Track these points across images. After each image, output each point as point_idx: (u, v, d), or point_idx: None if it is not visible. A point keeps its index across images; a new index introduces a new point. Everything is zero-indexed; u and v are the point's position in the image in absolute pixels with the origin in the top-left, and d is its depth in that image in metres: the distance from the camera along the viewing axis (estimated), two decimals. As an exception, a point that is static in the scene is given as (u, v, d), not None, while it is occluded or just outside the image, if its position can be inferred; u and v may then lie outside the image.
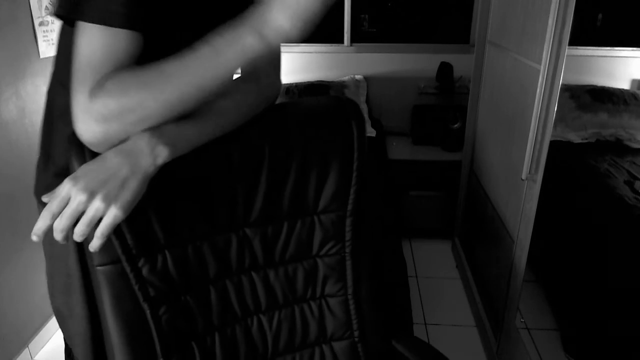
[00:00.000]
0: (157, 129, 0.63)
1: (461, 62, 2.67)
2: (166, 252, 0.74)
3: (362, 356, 0.92)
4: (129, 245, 0.70)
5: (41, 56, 1.80)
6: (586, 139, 2.48)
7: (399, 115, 2.87)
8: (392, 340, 0.97)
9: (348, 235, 0.88)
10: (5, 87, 1.64)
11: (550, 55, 1.27)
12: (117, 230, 0.67)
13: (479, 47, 2.05)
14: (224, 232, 0.79)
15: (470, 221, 2.22)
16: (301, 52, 2.81)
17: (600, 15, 2.72)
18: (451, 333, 1.95)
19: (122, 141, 0.62)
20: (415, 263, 2.42)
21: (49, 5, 1.82)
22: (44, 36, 1.80)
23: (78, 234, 0.60)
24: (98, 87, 0.60)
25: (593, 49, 2.66)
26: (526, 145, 1.36)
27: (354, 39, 2.83)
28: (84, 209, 0.59)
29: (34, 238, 0.60)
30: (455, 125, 2.56)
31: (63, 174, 0.65)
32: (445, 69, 2.66)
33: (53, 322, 1.92)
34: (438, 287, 2.25)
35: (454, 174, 2.37)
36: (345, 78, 2.77)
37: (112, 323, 0.72)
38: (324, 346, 0.91)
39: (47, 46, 1.82)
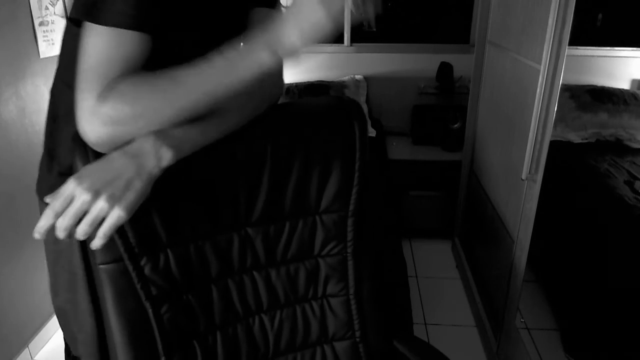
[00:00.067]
0: (162, 132, 0.63)
1: (461, 62, 2.67)
2: (168, 251, 0.74)
3: (364, 356, 0.93)
4: (131, 244, 0.70)
5: (41, 56, 1.79)
6: (586, 139, 2.48)
7: (399, 115, 2.87)
8: (394, 341, 0.97)
9: (350, 236, 0.88)
10: (5, 87, 1.64)
11: (550, 55, 1.27)
12: (119, 229, 0.67)
13: (479, 47, 2.05)
14: (226, 232, 0.79)
15: (470, 221, 2.22)
16: (301, 52, 2.80)
17: (600, 15, 2.72)
18: (451, 333, 1.95)
19: (127, 142, 0.63)
20: (415, 263, 2.42)
21: (49, 5, 1.82)
22: (44, 36, 1.80)
23: (81, 233, 0.60)
24: (108, 90, 0.60)
25: (593, 49, 2.66)
26: (526, 145, 1.36)
27: (354, 39, 2.83)
28: (88, 208, 0.59)
29: (37, 236, 0.60)
30: (455, 125, 2.56)
31: (67, 173, 0.65)
32: (445, 69, 2.66)
33: (53, 322, 1.92)
34: (438, 287, 2.25)
35: (454, 174, 2.37)
36: (345, 78, 2.77)
37: (114, 321, 0.72)
38: (325, 346, 0.91)
39: (47, 46, 1.82)
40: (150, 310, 0.74)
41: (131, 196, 0.61)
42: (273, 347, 0.87)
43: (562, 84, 1.29)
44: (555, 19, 1.23)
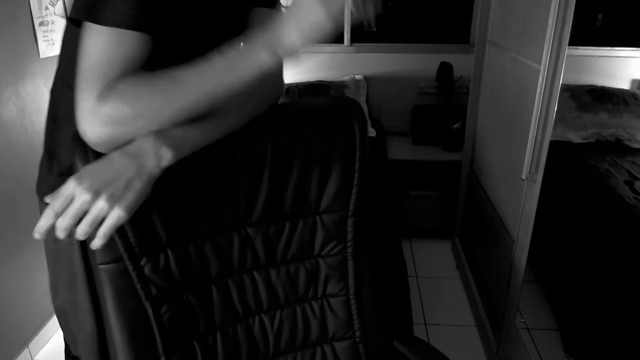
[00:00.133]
0: (162, 132, 0.63)
1: (461, 62, 2.67)
2: (168, 251, 0.74)
3: (364, 356, 0.93)
4: (131, 243, 0.70)
5: (41, 56, 1.79)
6: (586, 139, 2.48)
7: (399, 115, 2.87)
8: (394, 341, 0.97)
9: (350, 236, 0.88)
10: (5, 87, 1.64)
11: (550, 55, 1.27)
12: (119, 229, 0.67)
13: (479, 47, 2.05)
14: (226, 232, 0.79)
15: (470, 221, 2.22)
16: (301, 52, 2.80)
17: (600, 15, 2.72)
18: (451, 333, 1.95)
19: (127, 143, 0.63)
20: (415, 263, 2.42)
21: (49, 5, 1.82)
22: (44, 36, 1.80)
23: (80, 233, 0.60)
24: (108, 90, 0.60)
25: (593, 49, 2.66)
26: (526, 145, 1.36)
27: (354, 39, 2.83)
28: (88, 208, 0.59)
29: (37, 236, 0.60)
30: (455, 125, 2.56)
31: (67, 173, 0.65)
32: (445, 69, 2.66)
33: (53, 322, 1.92)
34: (438, 287, 2.25)
35: (454, 174, 2.37)
36: (345, 78, 2.77)
37: (114, 321, 0.72)
38: (325, 346, 0.91)
39: (47, 46, 1.82)
40: (150, 310, 0.74)
41: (131, 196, 0.61)
42: (273, 347, 0.87)
43: (562, 84, 1.30)
44: (555, 19, 1.23)
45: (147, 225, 0.71)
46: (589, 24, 2.73)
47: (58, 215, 0.59)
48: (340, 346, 0.92)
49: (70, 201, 0.59)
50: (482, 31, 2.03)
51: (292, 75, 2.83)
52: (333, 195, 0.84)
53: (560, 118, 2.48)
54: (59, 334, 1.92)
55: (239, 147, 0.75)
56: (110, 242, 0.64)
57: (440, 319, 2.03)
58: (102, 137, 0.62)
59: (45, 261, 0.98)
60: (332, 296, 0.90)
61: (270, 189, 0.79)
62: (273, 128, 0.80)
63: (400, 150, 2.66)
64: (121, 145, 0.63)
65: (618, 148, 2.42)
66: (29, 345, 1.80)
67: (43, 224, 0.59)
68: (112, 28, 0.60)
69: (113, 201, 0.59)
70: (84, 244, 0.83)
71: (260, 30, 0.63)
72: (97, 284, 0.74)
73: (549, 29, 1.25)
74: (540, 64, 1.30)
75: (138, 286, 0.72)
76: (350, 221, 0.87)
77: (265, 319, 0.86)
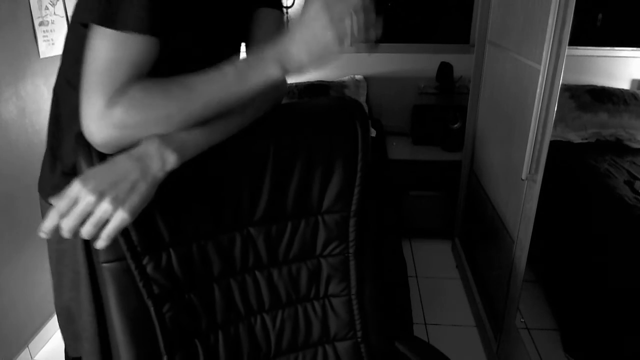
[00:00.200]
0: (166, 135, 0.64)
1: (461, 62, 2.67)
2: (171, 250, 0.74)
3: (365, 356, 0.93)
4: (134, 242, 0.71)
5: (41, 56, 1.79)
6: (586, 139, 2.48)
7: (399, 115, 2.87)
8: (395, 341, 0.97)
9: (352, 236, 0.88)
10: (5, 87, 1.64)
11: (550, 55, 1.27)
12: (122, 228, 0.67)
13: (479, 47, 2.06)
14: (229, 231, 0.79)
15: (470, 221, 2.22)
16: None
17: (600, 15, 2.72)
18: (451, 333, 1.95)
19: (132, 145, 0.63)
20: (415, 263, 2.43)
21: (49, 5, 1.82)
22: (44, 36, 1.80)
23: (85, 234, 0.60)
24: (118, 94, 0.60)
25: (593, 49, 2.66)
26: (526, 145, 1.36)
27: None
28: (92, 209, 0.60)
29: (42, 235, 0.61)
30: (455, 125, 2.56)
31: (71, 172, 0.65)
32: (445, 69, 2.66)
33: (53, 322, 1.92)
34: (438, 287, 2.25)
35: (454, 174, 2.37)
36: (345, 78, 2.77)
37: (117, 319, 0.73)
38: (326, 346, 0.91)
39: (47, 46, 1.82)
40: (152, 309, 0.74)
41: (135, 198, 0.61)
42: (275, 346, 0.87)
43: (562, 84, 1.30)
44: (555, 19, 1.23)
45: (149, 224, 0.71)
46: (589, 24, 2.73)
47: (63, 215, 0.60)
48: (341, 346, 0.92)
49: (75, 202, 0.60)
50: (482, 31, 2.03)
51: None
52: (335, 195, 0.84)
53: (560, 118, 2.48)
54: (59, 334, 1.92)
55: (241, 147, 0.76)
56: (113, 241, 0.64)
57: (440, 319, 2.03)
58: (110, 140, 0.62)
59: (45, 261, 0.98)
60: (333, 296, 0.90)
61: (273, 188, 0.80)
62: (275, 128, 0.80)
63: (400, 150, 2.66)
64: (127, 147, 0.63)
65: (618, 148, 2.42)
66: (29, 345, 1.80)
67: (48, 224, 0.60)
68: (125, 33, 0.60)
69: (117, 203, 0.60)
70: (88, 243, 0.83)
71: (270, 44, 0.65)
72: (100, 283, 0.74)
73: (549, 29, 1.25)
74: (540, 64, 1.30)
75: (140, 284, 0.72)
76: (352, 221, 0.87)
77: (267, 318, 0.86)
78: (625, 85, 2.71)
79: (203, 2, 0.72)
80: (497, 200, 1.78)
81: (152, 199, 0.64)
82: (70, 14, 1.94)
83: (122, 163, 0.62)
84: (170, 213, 0.72)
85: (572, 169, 2.24)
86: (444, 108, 2.67)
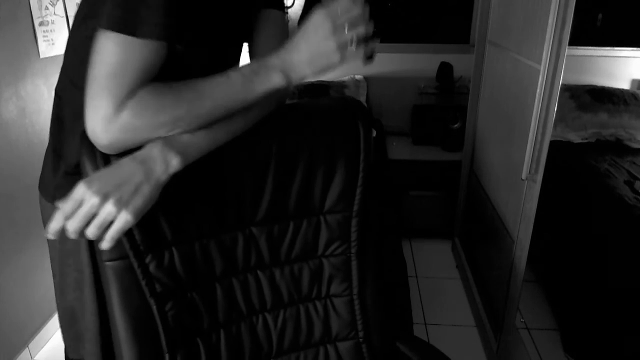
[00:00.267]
0: (169, 138, 0.64)
1: (461, 62, 2.67)
2: (173, 249, 0.74)
3: (367, 356, 0.93)
4: (136, 241, 0.71)
5: (41, 56, 1.79)
6: (586, 139, 2.49)
7: (399, 115, 2.88)
8: (396, 342, 0.97)
9: (354, 236, 0.88)
10: (5, 87, 1.64)
11: (550, 55, 1.27)
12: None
13: (479, 47, 2.06)
14: (231, 231, 0.80)
15: (470, 221, 2.22)
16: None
17: (600, 15, 2.72)
18: (451, 333, 1.95)
19: (136, 148, 0.64)
20: (415, 263, 2.43)
21: (49, 5, 1.82)
22: (44, 36, 1.80)
23: (89, 235, 0.61)
24: (127, 98, 0.61)
25: (593, 49, 2.67)
26: (526, 145, 1.36)
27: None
28: (97, 211, 0.61)
29: (49, 236, 0.62)
30: (455, 125, 2.56)
31: (74, 172, 0.66)
32: (445, 69, 2.66)
33: (53, 322, 1.92)
34: (438, 287, 2.25)
35: (454, 174, 2.37)
36: (345, 78, 2.77)
37: (119, 317, 0.73)
38: (328, 346, 0.92)
39: (47, 46, 1.82)
40: (154, 307, 0.74)
41: (139, 201, 0.62)
42: (276, 346, 0.87)
43: (562, 84, 1.30)
44: (555, 19, 1.23)
45: (152, 223, 0.71)
46: (589, 24, 2.73)
47: (68, 217, 0.61)
48: (343, 346, 0.92)
49: (79, 204, 0.60)
50: (482, 31, 2.03)
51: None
52: (337, 195, 0.84)
53: (560, 118, 2.48)
54: (59, 334, 1.92)
55: (244, 147, 0.76)
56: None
57: (440, 319, 2.03)
58: (116, 142, 0.63)
59: (45, 261, 0.98)
60: (335, 296, 0.90)
61: (275, 188, 0.80)
62: (278, 128, 0.80)
63: (400, 150, 2.67)
64: (131, 148, 0.64)
65: (618, 148, 2.42)
66: (29, 345, 1.80)
67: (54, 226, 0.61)
68: (137, 38, 0.60)
69: (121, 205, 0.61)
70: (92, 243, 0.83)
71: (274, 52, 0.67)
72: (103, 281, 0.75)
73: (549, 29, 1.25)
74: (540, 64, 1.30)
75: (143, 283, 0.73)
76: (354, 221, 0.87)
77: (269, 318, 0.86)
78: (625, 85, 2.72)
79: (210, 5, 0.72)
80: (497, 200, 1.78)
81: (156, 200, 0.65)
82: (70, 14, 1.94)
83: (126, 166, 0.63)
84: (173, 212, 0.73)
85: (572, 169, 2.24)
86: (444, 108, 2.67)
